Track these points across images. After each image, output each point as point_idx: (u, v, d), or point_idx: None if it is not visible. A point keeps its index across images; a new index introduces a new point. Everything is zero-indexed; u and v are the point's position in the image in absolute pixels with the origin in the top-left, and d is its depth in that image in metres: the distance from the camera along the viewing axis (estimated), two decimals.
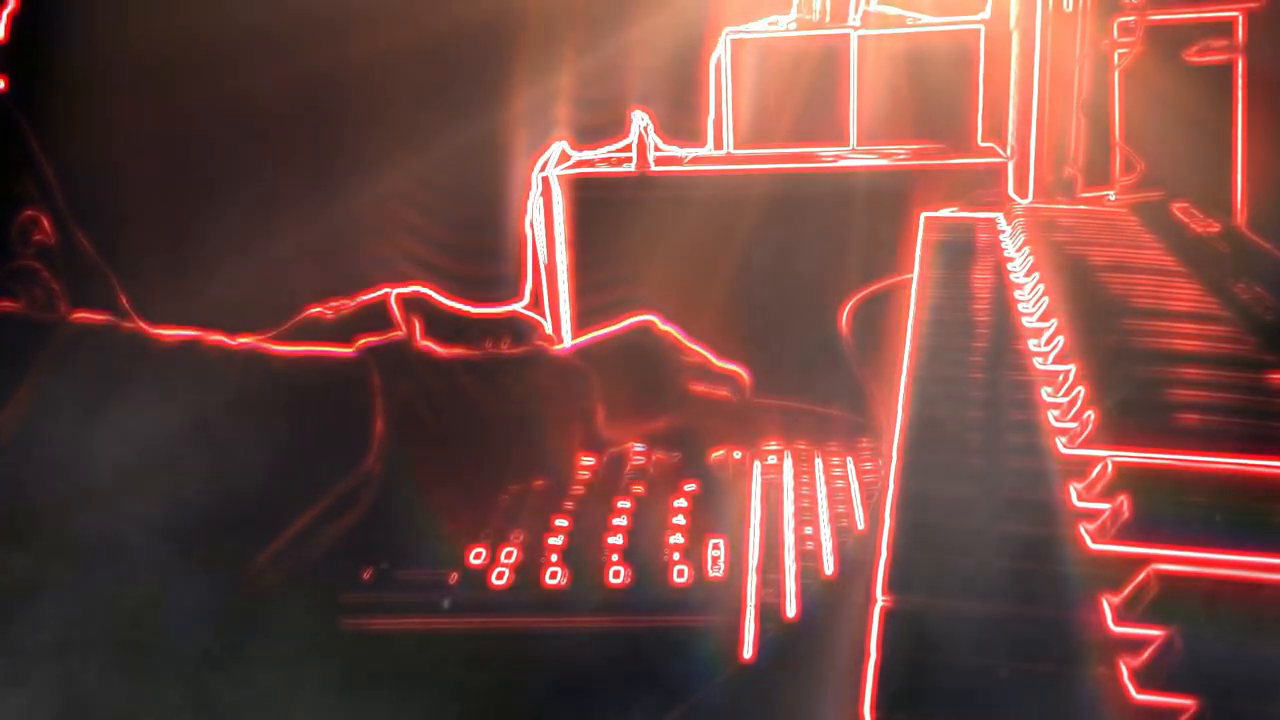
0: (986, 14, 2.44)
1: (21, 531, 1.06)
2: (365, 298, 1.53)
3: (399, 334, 1.38)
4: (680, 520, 1.24)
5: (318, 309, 1.53)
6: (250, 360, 1.16)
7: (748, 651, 1.06)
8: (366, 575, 1.16)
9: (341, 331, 1.46)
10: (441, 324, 1.53)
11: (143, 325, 1.26)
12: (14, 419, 1.04)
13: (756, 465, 1.37)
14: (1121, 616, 0.69)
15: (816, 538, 1.21)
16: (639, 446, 1.40)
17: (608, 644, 1.12)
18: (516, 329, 1.57)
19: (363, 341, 1.21)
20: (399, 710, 1.11)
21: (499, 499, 1.26)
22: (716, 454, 1.42)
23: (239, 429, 1.12)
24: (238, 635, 1.11)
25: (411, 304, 1.52)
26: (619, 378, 1.31)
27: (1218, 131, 1.86)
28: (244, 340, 1.19)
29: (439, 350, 1.24)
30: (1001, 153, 2.36)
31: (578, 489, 1.30)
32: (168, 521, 1.06)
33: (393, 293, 1.52)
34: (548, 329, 1.62)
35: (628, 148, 2.48)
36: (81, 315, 1.14)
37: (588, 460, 1.35)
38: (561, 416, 1.26)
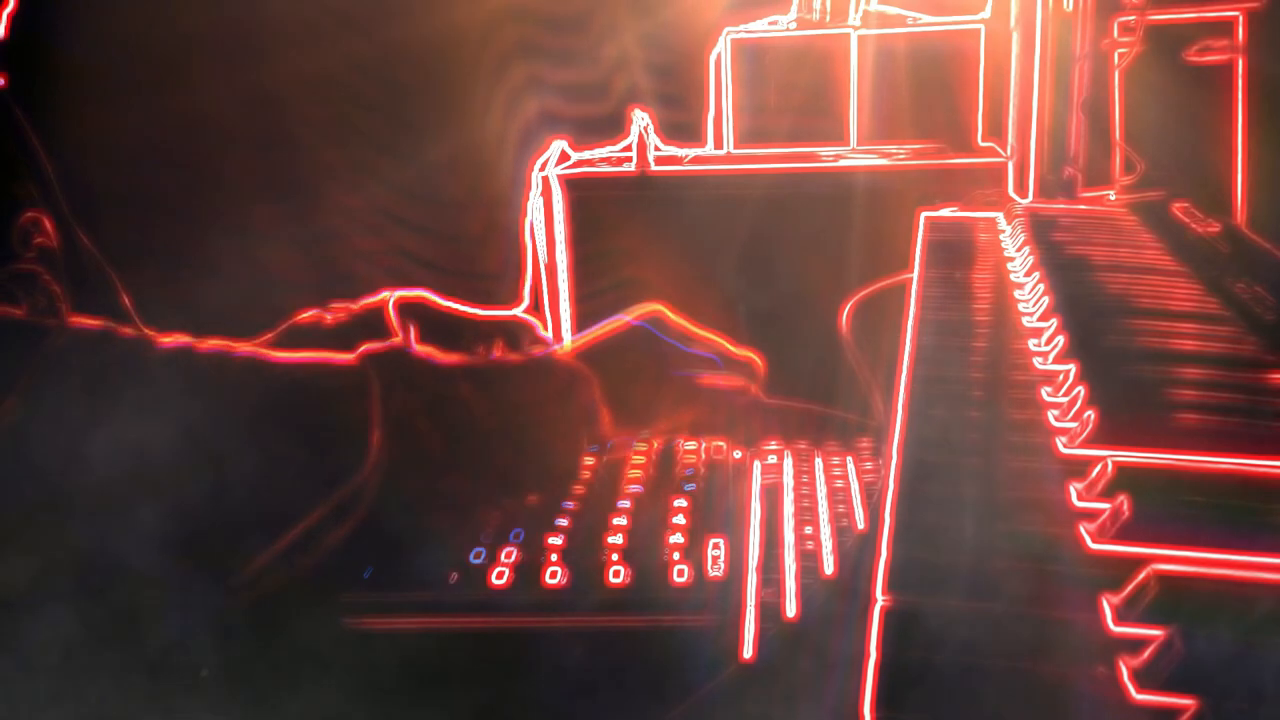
0: (986, 14, 2.44)
1: (18, 537, 1.06)
2: (365, 301, 1.53)
3: (399, 341, 1.38)
4: (680, 520, 1.24)
5: (315, 311, 1.52)
6: (250, 367, 1.16)
7: (748, 651, 1.06)
8: (366, 575, 1.16)
9: (340, 335, 1.45)
10: (440, 328, 1.53)
11: (143, 329, 1.25)
12: (9, 424, 1.03)
13: (756, 465, 1.37)
14: (1121, 616, 0.69)
15: (816, 538, 1.21)
16: (640, 446, 1.40)
17: (608, 644, 1.12)
18: (513, 332, 1.56)
19: (364, 349, 1.21)
20: (399, 710, 1.11)
21: (499, 504, 1.25)
22: (716, 453, 1.42)
23: (238, 436, 1.11)
24: (235, 638, 1.11)
25: (410, 308, 1.52)
26: (622, 377, 1.30)
27: (1218, 131, 1.86)
28: (244, 347, 1.18)
29: (440, 358, 1.23)
30: (1001, 153, 2.36)
31: (578, 489, 1.30)
32: (164, 527, 1.06)
33: (391, 296, 1.51)
34: (547, 330, 1.62)
35: (628, 148, 2.48)
36: (80, 321, 1.13)
37: (588, 460, 1.35)
38: (564, 422, 1.25)
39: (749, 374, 1.41)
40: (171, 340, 1.15)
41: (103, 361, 1.11)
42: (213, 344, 1.16)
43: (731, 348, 1.41)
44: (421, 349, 1.24)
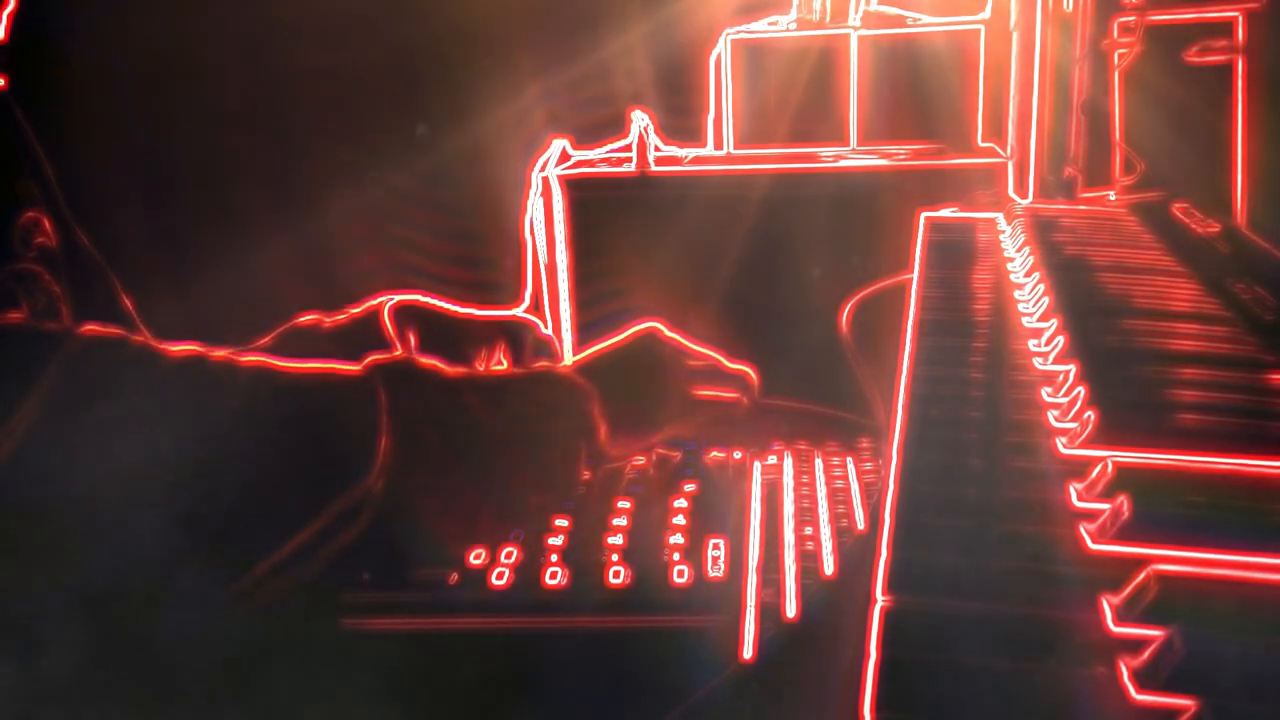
0: (986, 14, 2.44)
1: (27, 542, 1.06)
2: (364, 304, 1.53)
3: (405, 352, 1.37)
4: (680, 520, 1.24)
5: (314, 315, 1.52)
6: (257, 376, 1.16)
7: (748, 651, 1.06)
8: (365, 577, 1.16)
9: (338, 339, 1.45)
10: (439, 332, 1.53)
11: (147, 334, 1.25)
12: (18, 432, 1.03)
13: (756, 465, 1.37)
14: (1121, 616, 0.69)
15: (816, 538, 1.21)
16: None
17: (608, 644, 1.12)
18: (515, 333, 1.56)
19: (371, 359, 1.21)
20: (398, 710, 1.11)
21: (500, 507, 1.25)
22: (716, 454, 1.42)
23: (244, 444, 1.11)
24: (236, 639, 1.11)
25: (408, 312, 1.51)
26: (623, 392, 1.30)
27: (1218, 131, 1.86)
28: (252, 357, 1.18)
29: (445, 368, 1.23)
30: (1001, 153, 2.36)
31: (578, 490, 1.30)
32: (174, 531, 1.06)
33: (388, 302, 1.51)
34: (547, 330, 1.61)
35: (628, 148, 2.48)
36: (89, 328, 1.13)
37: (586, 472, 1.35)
38: (567, 435, 1.25)
39: (744, 387, 1.41)
40: (183, 349, 1.15)
41: (115, 369, 1.11)
42: (221, 353, 1.16)
43: (726, 361, 1.42)
44: (426, 360, 1.24)
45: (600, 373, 1.30)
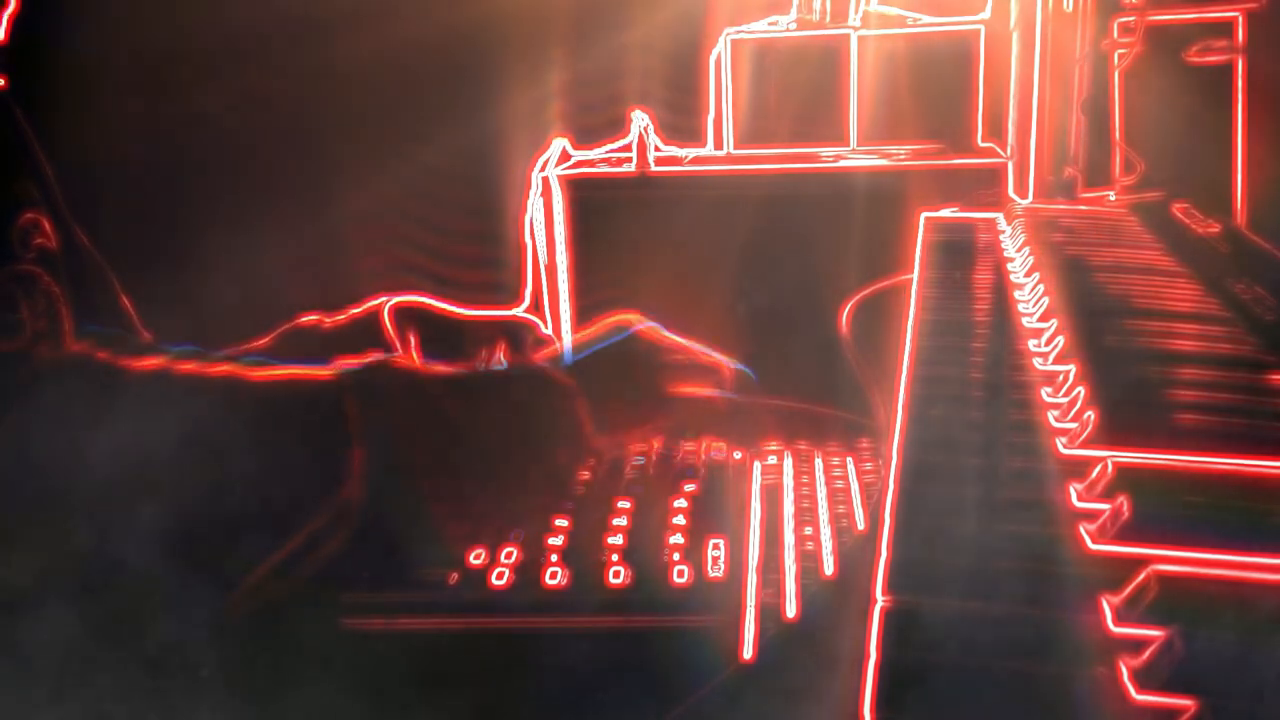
0: (986, 14, 2.44)
1: (16, 549, 1.06)
2: (365, 304, 1.53)
3: (405, 352, 1.38)
4: (680, 520, 1.24)
5: (314, 316, 1.52)
6: (228, 387, 1.16)
7: (748, 651, 1.06)
8: (364, 576, 1.16)
9: (337, 340, 1.45)
10: (440, 332, 1.53)
11: (146, 334, 1.26)
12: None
13: (756, 465, 1.37)
14: (1121, 616, 0.69)
15: (816, 538, 1.21)
16: (640, 446, 1.40)
17: (608, 644, 1.12)
18: (515, 333, 1.56)
19: (342, 364, 1.20)
20: (399, 710, 1.11)
21: (498, 507, 1.25)
22: (716, 454, 1.42)
23: (226, 452, 1.11)
24: (237, 641, 1.11)
25: (408, 313, 1.51)
26: (605, 386, 1.30)
27: (1218, 131, 1.86)
28: (221, 367, 1.18)
29: (424, 369, 1.23)
30: (1001, 153, 2.36)
31: (578, 489, 1.30)
32: (156, 543, 1.06)
33: (388, 303, 1.51)
34: (547, 329, 1.61)
35: (628, 148, 2.48)
36: (56, 350, 1.13)
37: (583, 471, 1.35)
38: (550, 431, 1.25)
39: (719, 380, 1.41)
40: (147, 362, 1.15)
41: (78, 390, 1.11)
42: (188, 366, 1.16)
43: (709, 354, 1.42)
44: (405, 360, 1.24)
45: (582, 369, 1.30)
